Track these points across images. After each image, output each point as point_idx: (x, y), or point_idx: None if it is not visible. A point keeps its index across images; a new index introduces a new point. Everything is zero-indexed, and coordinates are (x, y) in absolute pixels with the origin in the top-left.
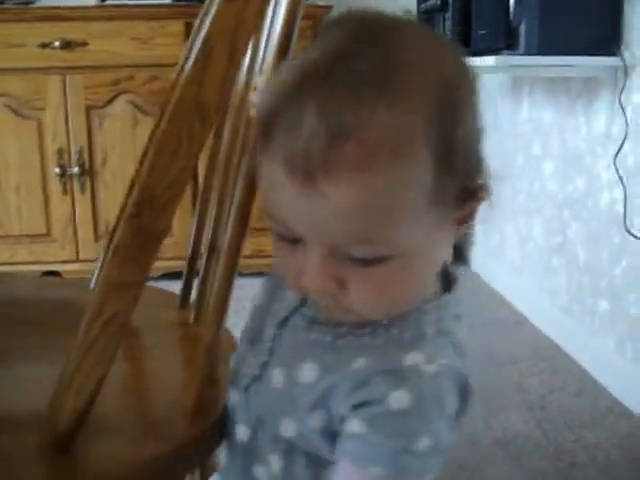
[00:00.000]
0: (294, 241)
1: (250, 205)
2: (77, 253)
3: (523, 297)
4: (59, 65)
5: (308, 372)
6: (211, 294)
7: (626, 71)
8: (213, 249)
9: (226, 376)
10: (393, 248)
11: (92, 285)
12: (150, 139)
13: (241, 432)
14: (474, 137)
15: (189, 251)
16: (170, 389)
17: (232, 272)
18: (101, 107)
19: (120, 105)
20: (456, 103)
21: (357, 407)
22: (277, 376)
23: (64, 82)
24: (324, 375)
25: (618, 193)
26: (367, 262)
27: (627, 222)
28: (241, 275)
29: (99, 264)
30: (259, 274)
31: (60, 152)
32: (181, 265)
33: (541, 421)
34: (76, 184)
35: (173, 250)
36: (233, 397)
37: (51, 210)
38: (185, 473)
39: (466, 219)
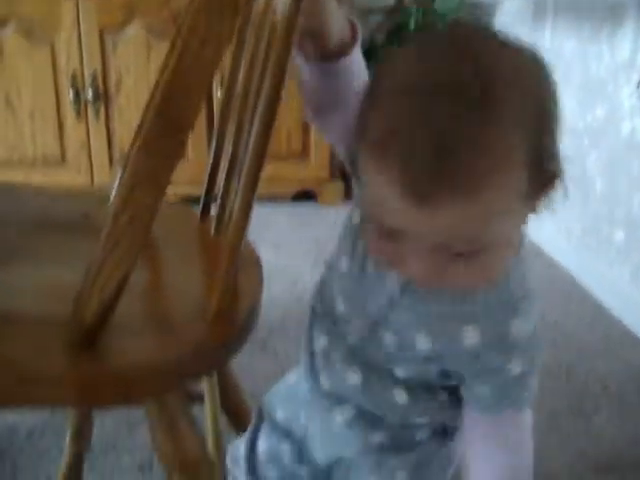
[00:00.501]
0: (395, 236)
1: (272, 121)
2: (92, 178)
3: (538, 229)
4: None
5: (422, 342)
6: (232, 207)
7: None
8: (233, 163)
9: (250, 287)
10: (489, 243)
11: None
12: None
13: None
14: (557, 139)
15: (209, 166)
16: (192, 296)
17: (255, 180)
18: (115, 30)
19: (134, 29)
20: (545, 116)
21: (477, 375)
22: (389, 339)
23: (77, 4)
24: (436, 343)
25: (639, 122)
26: (465, 255)
27: None
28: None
29: (116, 184)
30: (271, 199)
31: (74, 76)
32: (197, 191)
33: (554, 349)
34: (90, 110)
35: (190, 174)
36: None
37: (65, 135)
38: (204, 373)
39: (540, 201)
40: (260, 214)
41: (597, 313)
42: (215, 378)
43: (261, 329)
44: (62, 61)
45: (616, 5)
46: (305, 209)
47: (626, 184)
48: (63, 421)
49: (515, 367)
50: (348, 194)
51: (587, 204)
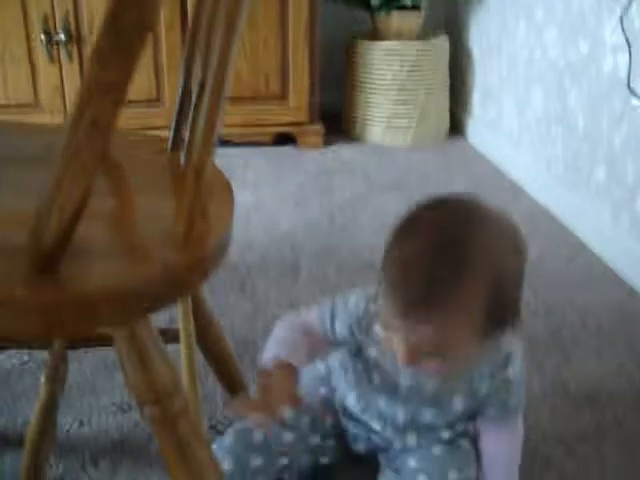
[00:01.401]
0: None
1: (231, 42)
2: None
3: (520, 168)
4: None
5: (458, 404)
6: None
7: None
8: (203, 88)
9: (220, 212)
10: (451, 353)
11: None
12: None
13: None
14: (517, 296)
15: (179, 92)
16: (160, 220)
17: (218, 102)
18: None
19: None
20: (508, 284)
21: (490, 405)
22: (428, 412)
23: None
24: (465, 400)
25: (622, 57)
26: (432, 356)
27: (631, 85)
28: (234, 144)
29: None
30: (250, 143)
31: (45, 19)
32: None
33: (533, 283)
34: (63, 52)
35: (165, 119)
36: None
37: (38, 79)
38: (174, 299)
39: (499, 339)
40: (240, 157)
41: (577, 250)
42: (190, 313)
43: (240, 269)
44: (32, 4)
45: None
46: (285, 152)
47: (607, 121)
48: (41, 364)
49: (512, 401)
50: (326, 138)
51: (569, 142)
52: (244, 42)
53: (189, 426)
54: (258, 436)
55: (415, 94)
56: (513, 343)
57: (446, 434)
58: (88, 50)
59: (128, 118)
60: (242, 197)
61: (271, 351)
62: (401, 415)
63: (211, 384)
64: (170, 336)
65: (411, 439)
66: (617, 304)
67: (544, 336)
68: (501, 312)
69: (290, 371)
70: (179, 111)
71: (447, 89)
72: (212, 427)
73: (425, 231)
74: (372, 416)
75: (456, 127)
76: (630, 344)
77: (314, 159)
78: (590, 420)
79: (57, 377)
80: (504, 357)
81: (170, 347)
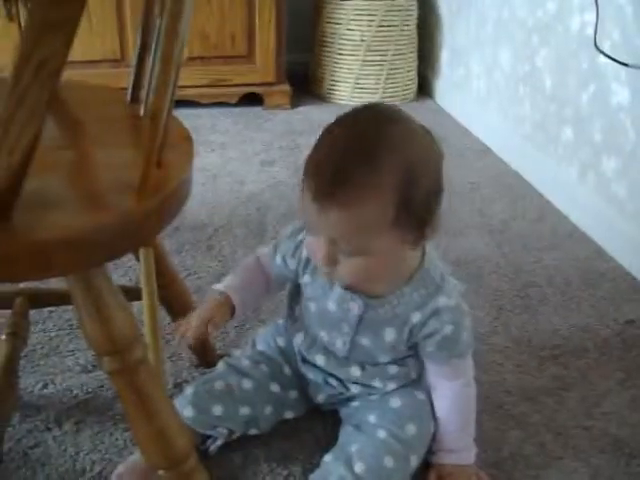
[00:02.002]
0: (312, 231)
1: None
2: None
3: (487, 128)
4: None
5: (389, 334)
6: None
7: None
8: (159, 37)
9: (178, 162)
10: (365, 249)
11: None
12: None
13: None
14: (428, 200)
15: (137, 44)
16: (118, 170)
17: (172, 49)
18: None
19: None
20: (416, 179)
21: (425, 337)
22: (364, 340)
23: None
24: (397, 332)
25: (589, 16)
26: (349, 253)
27: (597, 44)
28: (200, 105)
29: None
30: (217, 104)
31: None
32: None
33: (501, 244)
34: (23, 10)
35: None
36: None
37: None
38: (131, 247)
39: (418, 241)
40: (207, 118)
41: (544, 210)
42: (152, 267)
43: (207, 229)
44: None
45: None
46: (251, 112)
47: (575, 81)
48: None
49: (446, 329)
50: (294, 98)
51: (536, 101)
52: (210, 1)
53: (149, 376)
54: (218, 384)
55: (383, 54)
56: (449, 280)
57: (393, 369)
58: None
59: (92, 78)
60: (209, 158)
61: (225, 280)
62: (340, 344)
63: (177, 343)
64: (133, 294)
65: (355, 371)
66: (584, 263)
67: (511, 295)
68: (413, 206)
69: (220, 303)
70: (138, 63)
71: (415, 49)
72: (177, 385)
73: (339, 130)
74: (317, 351)
75: (424, 87)
76: (595, 302)
77: (281, 119)
78: (555, 375)
79: (18, 334)
80: (435, 287)
81: (134, 305)
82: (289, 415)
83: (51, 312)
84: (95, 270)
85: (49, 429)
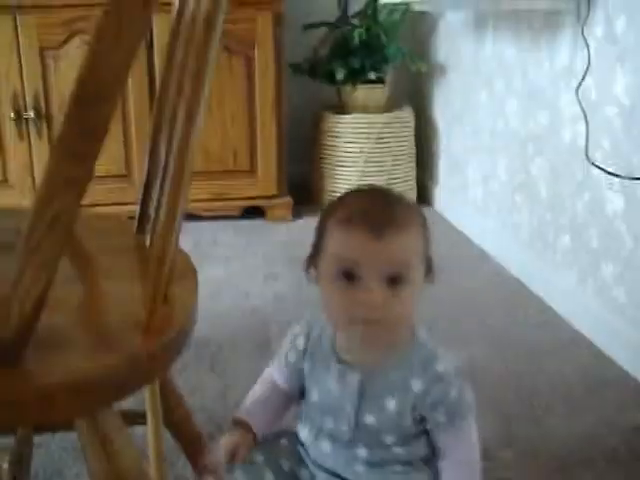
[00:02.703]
0: (351, 278)
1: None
2: None
3: (486, 235)
4: (9, 4)
5: (391, 404)
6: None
7: (589, 3)
8: (166, 174)
9: (184, 297)
10: (410, 277)
11: None
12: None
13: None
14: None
15: (145, 174)
16: (124, 306)
17: (180, 183)
18: (55, 48)
19: (75, 46)
20: (427, 232)
21: (432, 407)
22: (369, 418)
23: (15, 22)
24: (398, 400)
25: (580, 127)
26: (394, 285)
27: (589, 155)
28: (201, 218)
29: None
30: (218, 217)
31: (14, 96)
32: None
33: (503, 352)
34: (32, 130)
35: (135, 194)
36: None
37: (8, 157)
38: (138, 387)
39: (423, 286)
40: (209, 231)
41: (545, 316)
42: (157, 394)
43: (210, 345)
44: (2, 81)
45: (554, 12)
46: (254, 225)
47: (570, 190)
48: (6, 449)
49: (452, 393)
50: (296, 210)
51: (533, 210)
52: (213, 117)
53: None
54: None
55: (381, 165)
56: (441, 348)
57: (399, 450)
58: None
59: (98, 193)
60: (212, 272)
61: (243, 405)
62: (344, 425)
63: (182, 466)
64: (137, 418)
65: (361, 452)
66: (587, 369)
67: (515, 405)
68: (428, 248)
69: (243, 434)
70: (144, 192)
71: (413, 159)
72: None
73: (354, 196)
74: (323, 439)
75: (423, 195)
76: (600, 409)
77: (283, 231)
78: None
79: (21, 462)
80: (430, 353)
81: (139, 429)
82: None
83: (54, 434)
84: (102, 410)
85: None
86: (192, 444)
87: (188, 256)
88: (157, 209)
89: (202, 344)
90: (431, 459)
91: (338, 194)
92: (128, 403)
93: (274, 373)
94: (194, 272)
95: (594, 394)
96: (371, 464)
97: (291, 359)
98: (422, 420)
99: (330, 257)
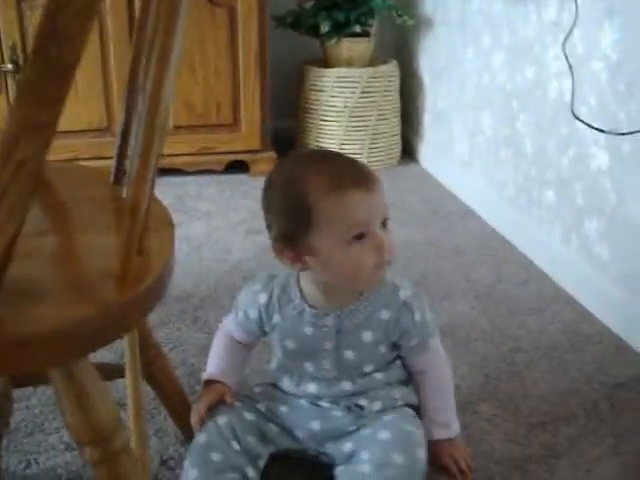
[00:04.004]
0: (360, 234)
1: (165, 69)
2: None
3: (471, 191)
4: None
5: (367, 336)
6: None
7: None
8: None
9: (160, 248)
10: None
11: None
12: None
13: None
14: None
15: (121, 124)
16: (99, 257)
17: (153, 131)
18: None
19: None
20: None
21: (403, 333)
22: (348, 353)
23: None
24: (373, 331)
25: (566, 82)
26: (385, 224)
27: (574, 110)
28: (186, 173)
29: None
30: (202, 172)
31: None
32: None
33: (487, 309)
34: (10, 82)
35: None
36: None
37: None
38: (113, 337)
39: None
40: (192, 185)
41: (529, 272)
42: (136, 346)
43: (192, 299)
44: None
45: None
46: (237, 180)
47: (555, 145)
48: None
49: (417, 316)
50: None
51: (518, 165)
52: (195, 71)
53: (131, 465)
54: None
55: (366, 120)
56: (400, 279)
57: (379, 376)
58: None
59: (79, 147)
60: (194, 227)
61: (210, 366)
62: (327, 365)
63: (163, 419)
64: (117, 372)
65: (346, 385)
66: (569, 326)
67: (497, 361)
68: None
69: (220, 390)
70: (121, 143)
71: (398, 114)
72: (164, 463)
73: (317, 167)
74: (307, 382)
75: (408, 151)
76: (583, 365)
77: None
78: (544, 443)
79: (1, 415)
80: (391, 285)
81: (120, 383)
82: (272, 449)
83: (35, 389)
84: (76, 361)
85: None
86: (171, 397)
87: (166, 209)
88: (132, 159)
89: (184, 298)
90: (407, 380)
91: (322, 148)
92: (108, 357)
93: (233, 330)
94: (171, 224)
95: (576, 351)
96: (356, 393)
97: (252, 315)
98: (394, 347)
99: (337, 228)
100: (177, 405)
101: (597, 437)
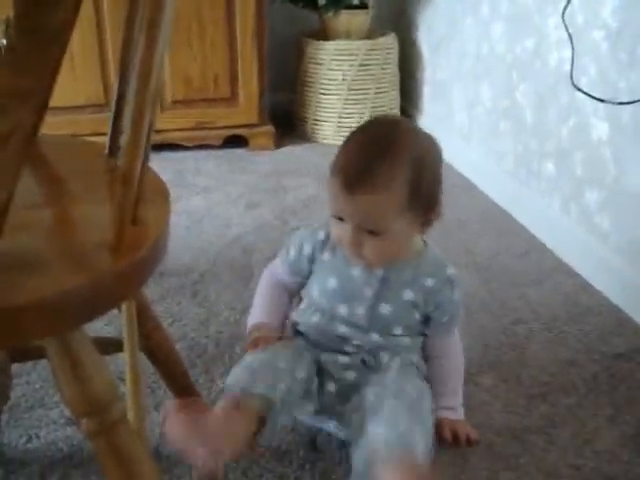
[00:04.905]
0: (341, 219)
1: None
2: None
3: (471, 163)
4: None
5: (408, 294)
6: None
7: None
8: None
9: (155, 219)
10: (383, 229)
11: None
12: None
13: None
14: (433, 187)
15: (115, 96)
16: (94, 228)
17: (144, 100)
18: None
19: None
20: (422, 172)
21: (438, 306)
22: (384, 308)
23: None
24: (414, 292)
25: (566, 52)
26: (373, 234)
27: (574, 80)
28: (184, 148)
29: None
30: (201, 147)
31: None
32: None
33: (487, 280)
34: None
35: None
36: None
37: None
38: (108, 307)
39: (426, 225)
40: (190, 160)
41: (529, 244)
42: (134, 319)
43: (192, 274)
44: None
45: None
46: (236, 154)
47: (555, 116)
48: None
49: (456, 295)
50: (277, 139)
51: (518, 136)
52: (192, 44)
53: (128, 436)
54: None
55: (365, 92)
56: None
57: (407, 341)
58: None
59: (77, 123)
60: (194, 202)
61: (253, 314)
62: (361, 311)
63: (163, 393)
64: (115, 346)
65: (374, 337)
66: (569, 297)
67: (497, 332)
68: (420, 193)
69: (268, 330)
70: (116, 114)
71: (397, 86)
72: (164, 435)
73: (359, 136)
74: (338, 323)
75: None
76: (583, 336)
77: (265, 160)
78: (543, 413)
79: (1, 390)
80: (441, 261)
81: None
82: (310, 408)
83: (35, 364)
84: (71, 332)
85: None
86: (170, 370)
87: (162, 180)
88: (126, 129)
89: (183, 273)
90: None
91: (320, 123)
92: (108, 331)
93: (280, 272)
94: (167, 196)
95: (576, 322)
96: (381, 347)
97: (306, 250)
98: (426, 321)
99: (329, 199)
100: (177, 379)
101: (596, 407)
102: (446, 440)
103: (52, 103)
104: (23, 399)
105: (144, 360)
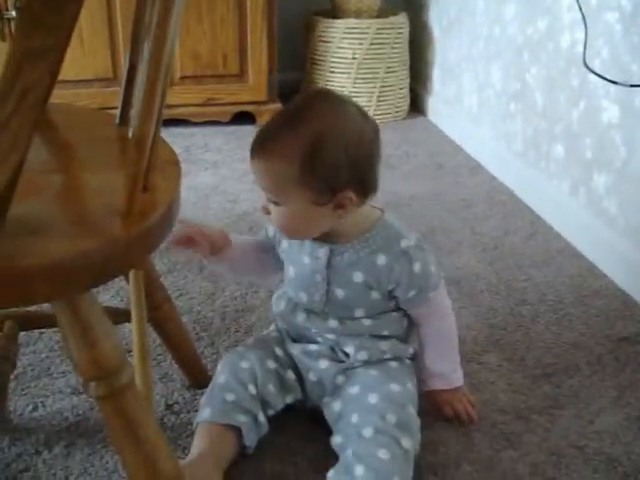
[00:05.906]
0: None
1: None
2: None
3: (479, 144)
4: None
5: (357, 277)
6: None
7: None
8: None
9: (165, 186)
10: (281, 200)
11: None
12: None
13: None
14: (337, 169)
15: (127, 66)
16: (105, 194)
17: (158, 69)
18: None
19: None
20: (324, 148)
21: (398, 283)
22: (339, 292)
23: None
24: (365, 273)
25: (579, 34)
26: (273, 203)
27: (587, 61)
28: (193, 124)
29: None
30: (209, 123)
31: None
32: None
33: (493, 261)
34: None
35: None
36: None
37: None
38: (117, 272)
39: (339, 207)
40: (199, 136)
41: (536, 226)
42: (142, 289)
43: None
44: None
45: None
46: (244, 131)
47: (565, 98)
48: None
49: (416, 267)
50: None
51: (527, 119)
52: (202, 20)
53: (136, 401)
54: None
55: (375, 72)
56: (406, 228)
57: (368, 323)
58: None
59: (85, 97)
60: (201, 177)
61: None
62: (317, 297)
63: (168, 365)
64: (123, 316)
65: (332, 323)
66: (576, 280)
67: (503, 313)
68: (316, 174)
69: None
70: (127, 84)
71: (407, 67)
72: (169, 407)
73: (289, 102)
74: (299, 311)
75: (416, 104)
76: (588, 319)
77: None
78: (547, 393)
79: (7, 357)
80: (394, 233)
81: (125, 327)
82: (290, 399)
83: (42, 333)
84: (80, 295)
85: (39, 452)
86: (176, 342)
87: (172, 149)
88: (138, 98)
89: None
90: (403, 335)
91: None
92: (116, 302)
93: (260, 238)
94: (177, 163)
95: (582, 304)
96: (342, 334)
97: (270, 232)
98: (392, 297)
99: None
100: (183, 350)
101: (600, 389)
102: (446, 415)
103: (60, 76)
104: (29, 368)
105: (150, 332)
